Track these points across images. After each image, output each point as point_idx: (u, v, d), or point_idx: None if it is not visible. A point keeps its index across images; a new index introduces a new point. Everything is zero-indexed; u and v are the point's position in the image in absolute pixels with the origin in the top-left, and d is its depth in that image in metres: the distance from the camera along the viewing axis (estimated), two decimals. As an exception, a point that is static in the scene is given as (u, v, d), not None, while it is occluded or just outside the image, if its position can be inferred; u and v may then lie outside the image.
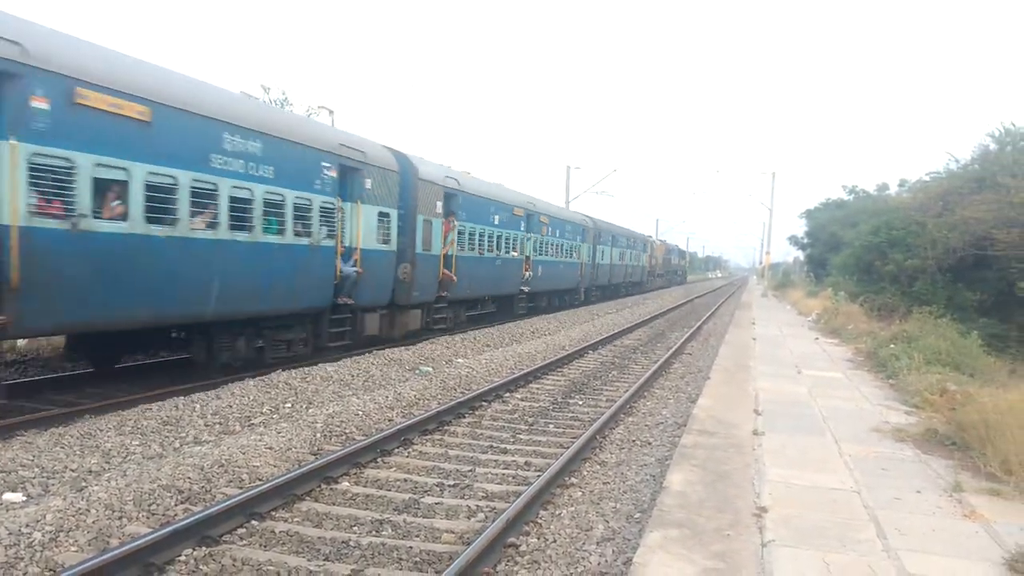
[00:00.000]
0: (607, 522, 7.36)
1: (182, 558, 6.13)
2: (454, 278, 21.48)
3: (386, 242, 17.63)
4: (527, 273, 29.14)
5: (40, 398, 11.63)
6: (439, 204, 20.53)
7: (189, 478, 7.78)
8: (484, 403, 12.77)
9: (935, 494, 7.56)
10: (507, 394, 13.72)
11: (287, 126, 14.65)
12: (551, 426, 11.64)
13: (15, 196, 8.92)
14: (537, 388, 14.67)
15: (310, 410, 11.27)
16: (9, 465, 7.92)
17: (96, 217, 10.07)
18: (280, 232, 13.76)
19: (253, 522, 7.00)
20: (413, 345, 18.32)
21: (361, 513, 7.45)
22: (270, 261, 13.54)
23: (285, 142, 13.89)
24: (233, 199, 12.45)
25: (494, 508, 7.69)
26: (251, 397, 11.64)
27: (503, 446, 10.32)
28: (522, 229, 28.54)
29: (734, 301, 52.12)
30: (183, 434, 9.69)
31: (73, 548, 6.13)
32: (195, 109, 11.70)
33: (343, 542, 6.69)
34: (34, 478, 7.71)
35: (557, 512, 7.74)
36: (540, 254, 31.11)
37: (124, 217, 10.50)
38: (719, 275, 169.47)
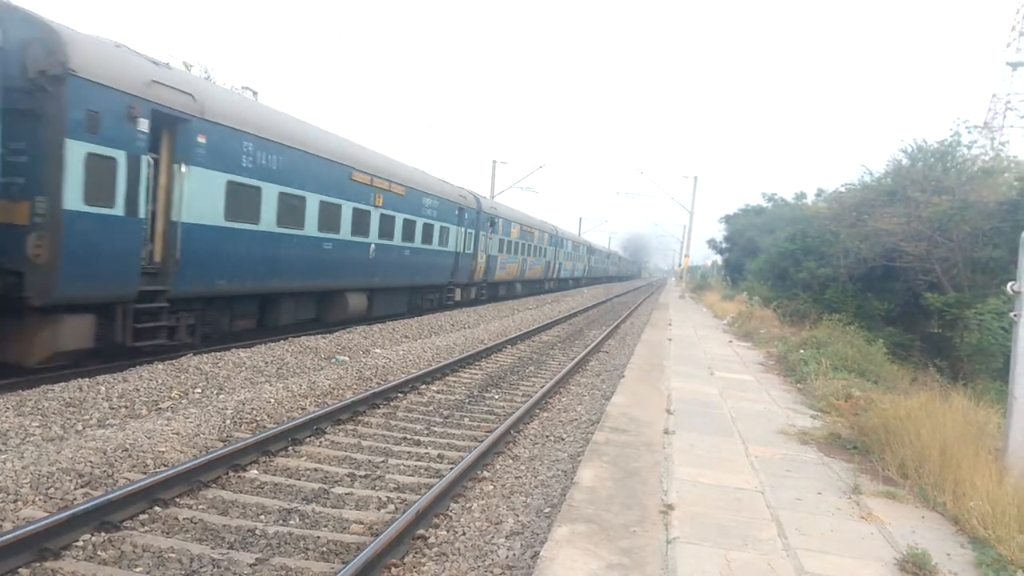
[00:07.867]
0: (517, 516, 7.39)
1: (79, 543, 5.95)
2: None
3: None
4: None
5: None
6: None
7: (91, 462, 7.54)
8: (400, 394, 12.69)
9: (835, 496, 7.82)
10: (423, 386, 13.66)
11: None
12: (466, 419, 11.63)
13: None
14: (454, 381, 14.65)
15: (221, 396, 11.04)
16: None
17: None
18: None
19: (156, 508, 6.83)
20: (330, 333, 18.09)
21: (269, 502, 7.34)
22: None
23: None
24: None
25: (405, 500, 7.65)
26: (159, 381, 11.34)
27: (417, 438, 10.28)
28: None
29: (652, 301, 52.89)
30: (86, 416, 9.39)
31: (-38, 532, 5.89)
32: None
33: (249, 531, 6.57)
34: (-77, 458, 7.37)
35: (468, 505, 7.75)
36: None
37: None
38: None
